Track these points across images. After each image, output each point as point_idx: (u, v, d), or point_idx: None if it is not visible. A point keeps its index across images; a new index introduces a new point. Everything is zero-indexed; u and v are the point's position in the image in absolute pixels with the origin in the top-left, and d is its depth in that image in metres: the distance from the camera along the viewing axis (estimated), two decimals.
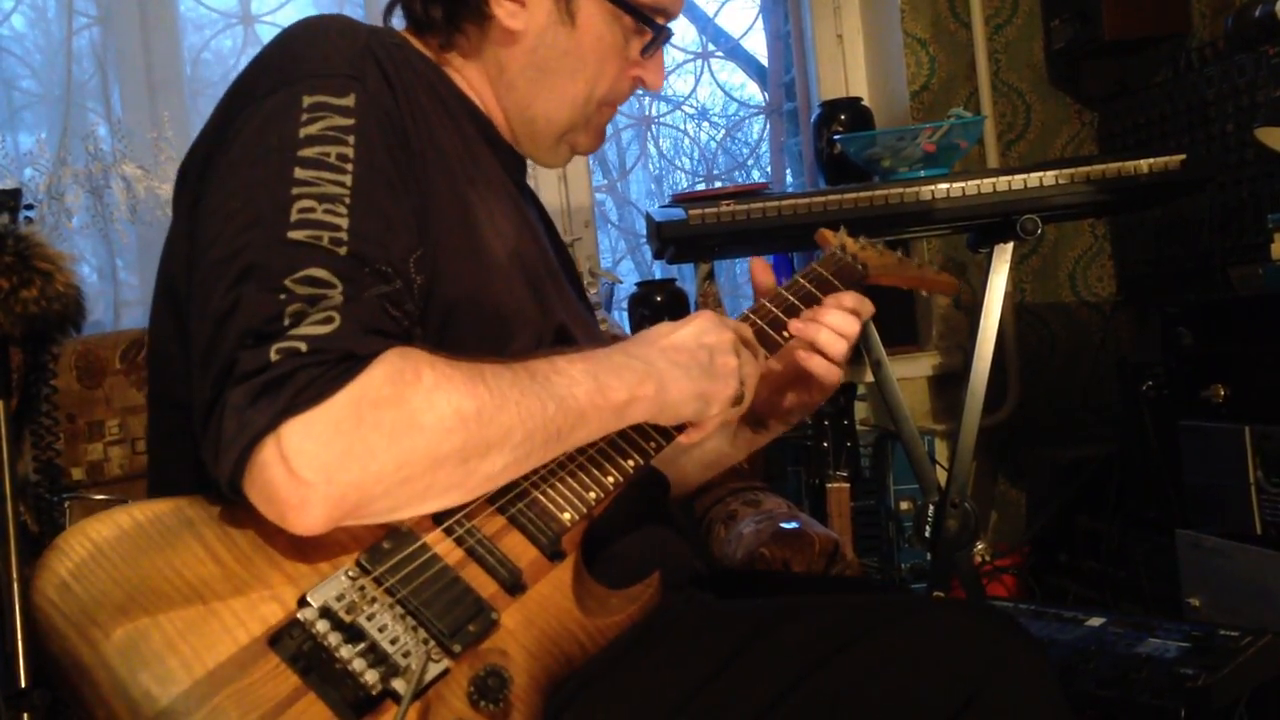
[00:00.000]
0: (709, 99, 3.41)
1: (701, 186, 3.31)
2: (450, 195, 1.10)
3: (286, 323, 0.88)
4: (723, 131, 3.42)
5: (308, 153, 0.97)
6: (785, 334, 1.25)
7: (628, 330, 2.79)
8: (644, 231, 3.13)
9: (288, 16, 2.89)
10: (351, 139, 0.99)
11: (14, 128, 2.70)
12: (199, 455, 0.91)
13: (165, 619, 0.85)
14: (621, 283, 2.97)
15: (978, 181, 2.14)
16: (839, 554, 1.92)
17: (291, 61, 1.04)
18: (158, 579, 0.87)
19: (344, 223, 0.95)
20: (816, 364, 1.27)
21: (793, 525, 1.96)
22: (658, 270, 3.20)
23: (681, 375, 1.06)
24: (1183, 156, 2.17)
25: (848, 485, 2.18)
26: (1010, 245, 2.22)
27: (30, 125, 2.73)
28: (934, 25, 3.05)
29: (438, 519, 0.98)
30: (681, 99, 3.34)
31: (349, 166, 0.98)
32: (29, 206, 1.35)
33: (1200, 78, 2.51)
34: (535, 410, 0.95)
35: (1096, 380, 3.03)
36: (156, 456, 1.17)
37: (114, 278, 2.72)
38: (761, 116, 3.42)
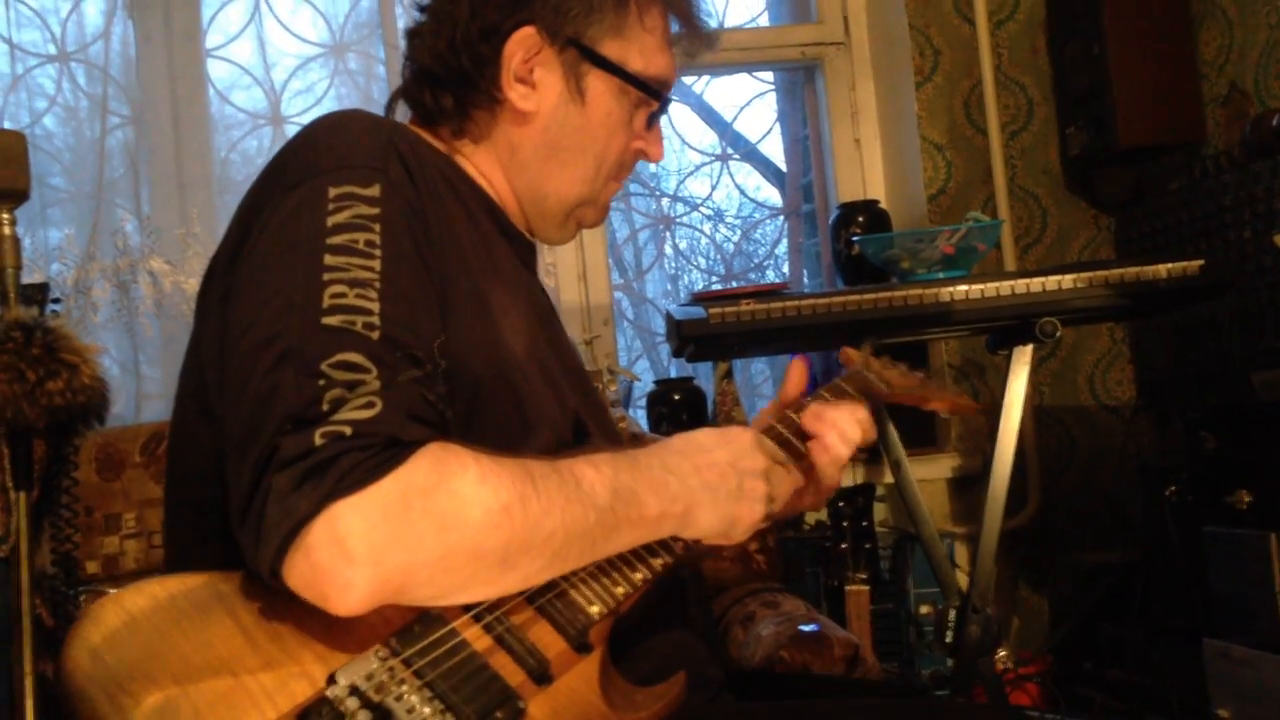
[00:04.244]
0: (725, 200, 3.45)
1: (718, 286, 3.33)
2: (468, 288, 1.11)
3: (326, 408, 0.89)
4: (740, 233, 3.45)
5: (337, 240, 0.99)
6: (806, 445, 1.25)
7: (645, 427, 2.79)
8: (660, 330, 3.15)
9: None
10: (377, 226, 1.01)
11: (44, 223, 2.75)
12: (217, 556, 0.90)
13: (195, 690, 0.85)
14: (639, 380, 2.98)
15: (997, 284, 2.15)
16: (859, 658, 1.89)
17: (317, 155, 1.06)
18: (189, 651, 0.87)
19: (375, 307, 0.96)
20: (823, 460, 1.24)
21: (812, 628, 1.93)
22: (673, 369, 3.20)
23: (709, 499, 1.06)
24: (1201, 261, 2.18)
25: (867, 588, 2.16)
26: (1029, 347, 2.21)
27: (59, 221, 2.78)
28: (950, 131, 3.10)
29: (467, 606, 0.98)
30: (699, 200, 3.39)
31: (377, 252, 0.99)
32: (56, 300, 1.37)
33: (1216, 184, 2.53)
34: (578, 517, 0.96)
35: (1118, 484, 3.00)
36: (175, 557, 1.16)
37: (136, 371, 2.74)
38: (778, 219, 3.46)
